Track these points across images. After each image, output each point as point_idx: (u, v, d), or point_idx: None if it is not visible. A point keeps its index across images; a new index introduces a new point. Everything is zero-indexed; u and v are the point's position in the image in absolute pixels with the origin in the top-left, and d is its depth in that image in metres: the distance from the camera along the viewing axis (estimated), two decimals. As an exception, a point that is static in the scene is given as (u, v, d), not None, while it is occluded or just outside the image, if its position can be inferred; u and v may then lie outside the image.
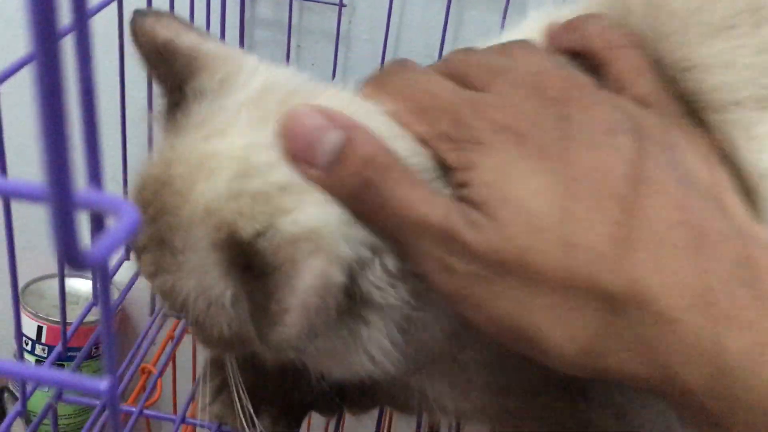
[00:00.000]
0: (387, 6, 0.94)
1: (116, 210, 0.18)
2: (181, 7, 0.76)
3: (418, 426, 0.69)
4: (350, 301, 0.47)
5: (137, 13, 0.52)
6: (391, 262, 0.47)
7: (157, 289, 0.50)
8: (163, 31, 0.52)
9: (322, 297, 0.42)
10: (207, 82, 0.51)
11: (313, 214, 0.45)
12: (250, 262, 0.45)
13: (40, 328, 1.10)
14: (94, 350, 1.10)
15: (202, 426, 0.64)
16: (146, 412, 0.65)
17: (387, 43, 0.95)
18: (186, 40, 0.52)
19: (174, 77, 0.51)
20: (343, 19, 0.96)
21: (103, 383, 0.24)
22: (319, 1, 0.96)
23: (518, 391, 0.58)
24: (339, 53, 0.97)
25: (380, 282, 0.47)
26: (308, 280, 0.42)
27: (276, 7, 0.99)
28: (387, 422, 0.95)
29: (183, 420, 0.64)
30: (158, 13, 0.53)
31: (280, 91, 0.50)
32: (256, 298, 0.44)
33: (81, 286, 1.13)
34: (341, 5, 0.94)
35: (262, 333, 0.44)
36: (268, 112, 0.48)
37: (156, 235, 0.48)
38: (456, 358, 0.58)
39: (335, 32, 0.95)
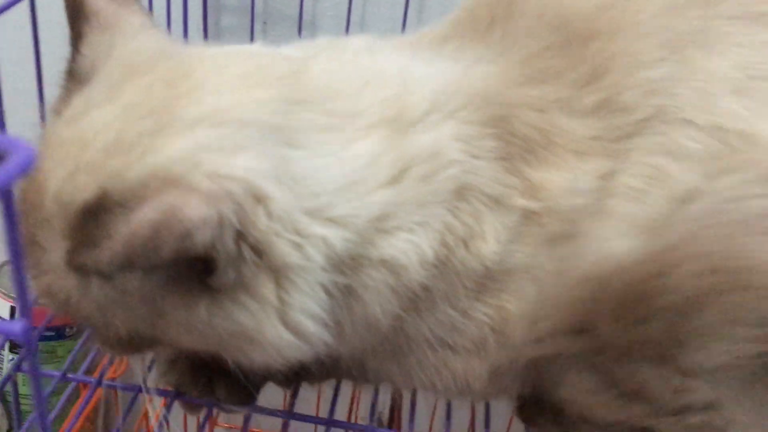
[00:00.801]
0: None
1: (12, 148, 0.19)
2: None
3: (376, 392, 0.71)
4: (247, 255, 0.45)
5: None
6: (279, 208, 0.45)
7: (41, 293, 0.48)
8: None
9: (159, 231, 0.39)
10: (85, 59, 0.52)
11: (165, 154, 0.43)
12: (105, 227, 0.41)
13: (13, 309, 1.11)
14: (68, 330, 1.11)
15: (161, 395, 0.65)
16: (106, 382, 0.67)
17: (351, 21, 0.97)
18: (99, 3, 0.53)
19: (76, 29, 0.53)
20: (306, 1, 0.97)
21: (17, 325, 0.25)
22: (282, -16, 0.97)
23: None
24: (303, 35, 0.98)
25: (273, 232, 0.45)
26: (148, 213, 0.39)
27: (240, -9, 1.00)
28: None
29: (140, 389, 0.66)
30: None
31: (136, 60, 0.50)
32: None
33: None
34: (304, -14, 0.96)
35: (71, 254, 0.43)
36: (117, 87, 0.48)
37: (28, 235, 0.47)
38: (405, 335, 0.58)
39: (299, 14, 0.97)
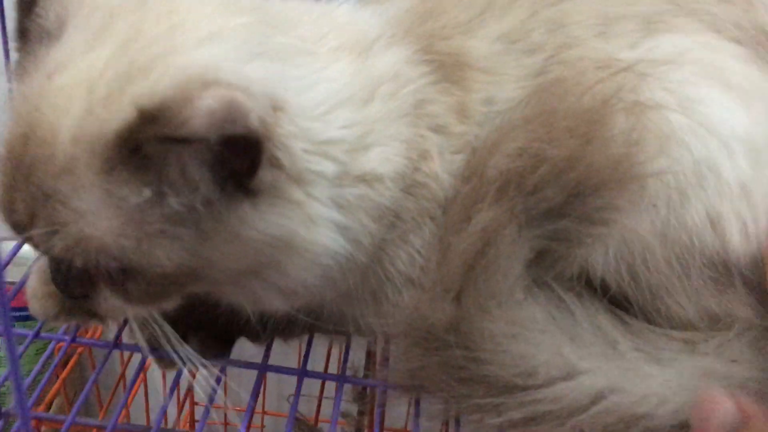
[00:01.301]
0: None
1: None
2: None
3: (347, 349, 0.72)
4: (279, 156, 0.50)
5: None
6: (294, 113, 0.51)
7: (63, 250, 0.48)
8: None
9: (230, 109, 0.43)
10: (45, 19, 0.52)
11: (190, 67, 0.47)
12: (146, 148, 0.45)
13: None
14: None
15: (135, 351, 0.65)
16: (79, 339, 0.67)
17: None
18: None
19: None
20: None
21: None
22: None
23: None
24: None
25: (292, 135, 0.50)
26: (210, 101, 0.43)
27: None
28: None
29: (115, 346, 0.66)
30: None
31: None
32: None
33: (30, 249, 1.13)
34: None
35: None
36: (103, 30, 0.50)
37: (38, 193, 0.47)
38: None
39: None
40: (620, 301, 0.65)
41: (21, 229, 0.50)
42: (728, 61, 0.60)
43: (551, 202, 0.58)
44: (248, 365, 0.67)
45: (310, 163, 0.53)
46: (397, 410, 0.88)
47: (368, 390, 0.96)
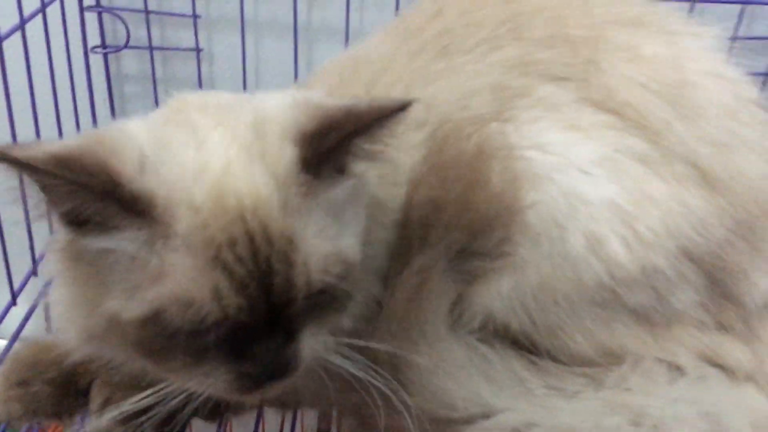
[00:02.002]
0: (241, 47, 1.04)
1: None
2: (39, 72, 0.85)
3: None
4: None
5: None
6: None
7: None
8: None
9: None
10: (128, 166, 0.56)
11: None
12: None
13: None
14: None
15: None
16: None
17: (246, 81, 1.05)
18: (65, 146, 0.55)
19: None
20: (203, 64, 1.05)
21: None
22: (177, 49, 1.06)
23: None
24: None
25: None
26: None
27: (139, 60, 1.07)
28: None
29: (77, 438, 0.71)
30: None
31: None
32: None
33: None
34: (198, 50, 1.04)
35: None
36: None
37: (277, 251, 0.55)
38: None
39: (197, 77, 1.05)
40: (528, 346, 0.73)
41: (283, 282, 0.54)
42: (566, 104, 0.70)
43: (460, 243, 0.67)
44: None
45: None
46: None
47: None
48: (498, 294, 0.70)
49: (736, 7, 1.06)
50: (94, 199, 0.53)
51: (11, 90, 0.79)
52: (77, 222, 0.55)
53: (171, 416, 0.73)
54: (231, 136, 0.57)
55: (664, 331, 0.72)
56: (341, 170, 0.59)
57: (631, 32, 0.73)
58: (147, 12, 1.04)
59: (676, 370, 0.72)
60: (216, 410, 0.75)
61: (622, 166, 0.68)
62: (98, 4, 1.03)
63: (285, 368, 0.57)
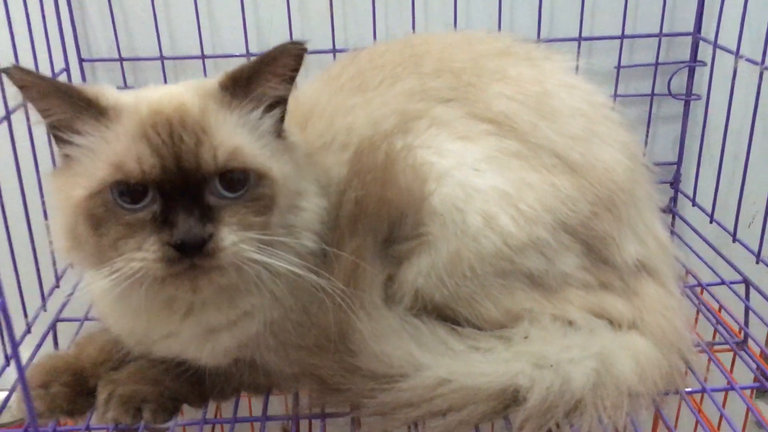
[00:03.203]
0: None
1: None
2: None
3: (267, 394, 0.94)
4: None
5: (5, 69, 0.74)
6: None
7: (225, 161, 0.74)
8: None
9: None
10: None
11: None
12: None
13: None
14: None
15: (105, 428, 0.86)
16: (59, 428, 0.87)
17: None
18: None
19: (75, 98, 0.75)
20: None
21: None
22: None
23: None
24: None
25: None
26: None
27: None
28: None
29: (88, 427, 0.87)
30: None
31: None
32: None
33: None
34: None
35: None
36: None
37: (195, 129, 0.75)
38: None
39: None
40: (452, 317, 0.89)
41: (190, 154, 0.73)
42: (455, 119, 0.88)
43: (384, 232, 0.85)
44: (189, 423, 0.88)
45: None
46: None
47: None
48: (419, 271, 0.86)
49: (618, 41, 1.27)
50: (76, 110, 0.75)
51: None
52: (61, 132, 0.76)
53: (164, 403, 0.89)
54: (182, 85, 0.80)
55: (557, 293, 0.89)
56: (260, 102, 0.78)
57: (501, 60, 0.92)
58: (126, 88, 1.23)
59: (569, 324, 0.89)
60: (203, 397, 0.92)
61: (502, 162, 0.86)
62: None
63: (204, 242, 0.71)
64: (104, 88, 0.79)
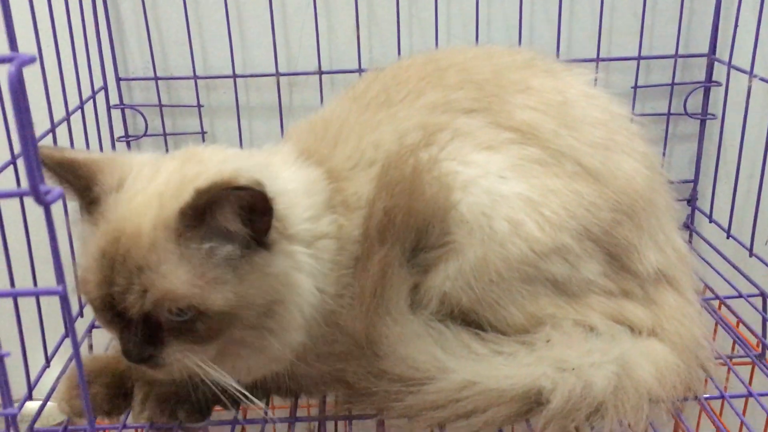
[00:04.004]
0: (237, 129, 1.29)
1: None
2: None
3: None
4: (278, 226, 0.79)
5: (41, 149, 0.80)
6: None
7: (152, 304, 0.74)
8: (61, 152, 0.81)
9: (250, 195, 0.73)
10: (108, 182, 0.80)
11: (220, 169, 0.79)
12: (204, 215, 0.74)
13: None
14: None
15: (141, 427, 0.89)
16: (98, 426, 0.91)
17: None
18: (80, 155, 0.82)
19: (80, 182, 0.80)
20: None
21: (59, 288, 0.53)
22: (186, 134, 1.30)
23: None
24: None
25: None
26: (238, 191, 0.73)
27: (156, 145, 1.31)
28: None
29: (124, 426, 0.90)
30: (54, 147, 0.82)
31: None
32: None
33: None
34: (203, 133, 1.29)
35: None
36: (155, 174, 0.81)
37: (134, 268, 0.74)
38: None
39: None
40: (476, 321, 0.92)
41: (120, 296, 0.75)
42: (478, 129, 0.91)
43: (411, 242, 0.88)
44: (222, 422, 0.91)
45: (294, 227, 0.82)
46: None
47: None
48: (447, 277, 0.89)
49: (635, 62, 1.31)
50: (77, 192, 0.80)
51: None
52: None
53: (198, 404, 0.92)
54: (164, 181, 0.79)
55: (579, 299, 0.91)
56: (217, 233, 0.76)
57: (523, 72, 0.96)
58: (161, 106, 1.29)
59: (590, 330, 0.91)
60: (234, 400, 0.94)
61: (526, 169, 0.89)
62: (122, 102, 1.28)
63: (147, 359, 0.77)
64: (113, 163, 0.82)
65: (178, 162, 0.83)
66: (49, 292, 0.54)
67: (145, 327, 0.76)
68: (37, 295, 0.59)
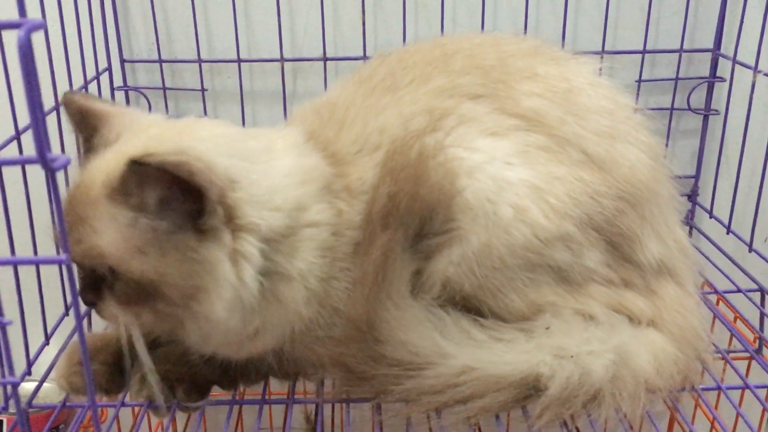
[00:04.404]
0: (241, 114, 1.29)
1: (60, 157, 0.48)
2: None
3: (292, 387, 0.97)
4: (220, 211, 0.77)
5: (66, 92, 0.86)
6: (242, 191, 0.80)
7: (81, 256, 0.76)
8: (84, 100, 0.85)
9: (184, 165, 0.71)
10: (107, 135, 0.84)
11: (186, 145, 0.79)
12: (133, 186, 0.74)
13: None
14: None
15: (139, 405, 0.90)
16: (97, 404, 0.90)
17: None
18: (99, 105, 0.85)
19: (88, 130, 0.83)
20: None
21: (62, 256, 0.53)
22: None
23: None
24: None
25: (240, 202, 0.79)
26: (175, 158, 0.71)
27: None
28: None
29: (123, 403, 0.90)
30: (83, 93, 0.84)
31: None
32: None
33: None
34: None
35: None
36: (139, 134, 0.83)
37: (77, 218, 0.77)
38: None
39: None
40: (477, 307, 0.92)
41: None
42: (484, 115, 0.91)
43: (415, 227, 0.88)
44: (220, 402, 0.91)
45: (253, 218, 0.80)
46: None
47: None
48: (450, 262, 0.89)
49: (639, 56, 1.31)
50: (84, 140, 0.87)
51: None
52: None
53: (197, 384, 0.93)
54: (140, 144, 0.82)
55: (580, 288, 0.91)
56: (160, 212, 0.76)
57: (529, 59, 0.96)
58: (165, 89, 1.29)
59: (590, 318, 0.91)
60: (232, 381, 0.95)
61: (532, 156, 0.89)
62: (125, 84, 1.28)
63: (91, 304, 0.82)
64: (121, 118, 0.86)
65: (166, 129, 0.85)
66: (52, 261, 0.54)
67: (92, 276, 0.80)
68: (38, 263, 0.58)
